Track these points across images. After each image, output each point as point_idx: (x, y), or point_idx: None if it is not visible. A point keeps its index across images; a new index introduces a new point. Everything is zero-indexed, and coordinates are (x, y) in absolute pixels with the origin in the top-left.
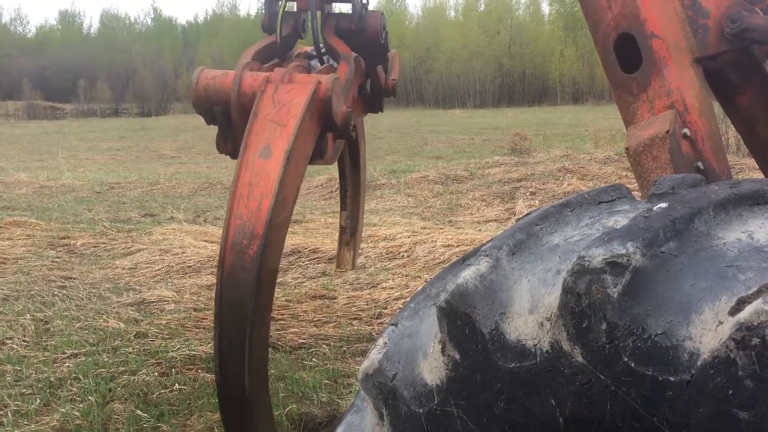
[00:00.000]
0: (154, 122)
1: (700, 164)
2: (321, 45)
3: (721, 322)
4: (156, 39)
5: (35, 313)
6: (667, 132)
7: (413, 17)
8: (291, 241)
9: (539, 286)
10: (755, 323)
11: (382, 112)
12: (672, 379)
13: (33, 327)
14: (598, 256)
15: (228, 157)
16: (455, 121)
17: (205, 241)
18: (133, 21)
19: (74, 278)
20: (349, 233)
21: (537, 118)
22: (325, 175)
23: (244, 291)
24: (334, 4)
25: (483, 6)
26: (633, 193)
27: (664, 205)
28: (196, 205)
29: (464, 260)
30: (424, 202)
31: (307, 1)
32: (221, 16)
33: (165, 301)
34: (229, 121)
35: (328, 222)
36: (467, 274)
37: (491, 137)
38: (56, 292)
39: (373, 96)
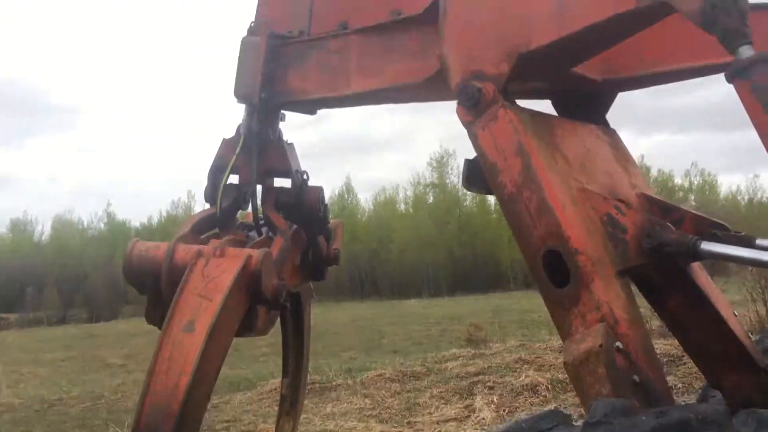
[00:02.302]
0: (103, 328)
1: (635, 377)
2: (260, 217)
3: None
4: (108, 243)
5: None
6: (600, 346)
7: (365, 211)
8: None
9: None
10: None
11: (324, 279)
12: None
13: None
14: None
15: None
16: (411, 312)
17: None
18: (86, 226)
19: None
20: (290, 403)
21: (491, 305)
22: (277, 378)
23: None
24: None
25: (432, 198)
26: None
27: None
28: None
29: None
30: (381, 402)
31: (249, 176)
32: (175, 216)
33: None
34: (160, 292)
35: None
36: None
37: (448, 327)
38: None
39: (315, 264)
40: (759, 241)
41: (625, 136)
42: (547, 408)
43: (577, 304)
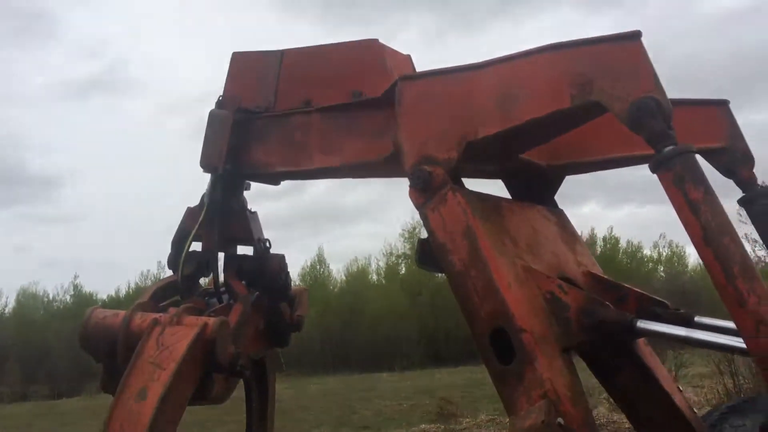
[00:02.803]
0: (66, 405)
1: None
2: (221, 285)
3: None
4: (74, 315)
5: None
6: (543, 422)
7: (337, 282)
8: None
9: None
10: None
11: (287, 346)
12: None
13: None
14: None
15: None
16: (383, 386)
17: None
18: (51, 298)
19: None
20: None
21: (464, 378)
22: None
23: None
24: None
25: (404, 269)
26: None
27: None
28: None
29: None
30: None
31: (211, 243)
32: (144, 287)
33: None
34: (116, 361)
35: None
36: None
37: (419, 402)
38: None
39: (278, 331)
40: (697, 318)
41: (595, 208)
42: None
43: (522, 381)
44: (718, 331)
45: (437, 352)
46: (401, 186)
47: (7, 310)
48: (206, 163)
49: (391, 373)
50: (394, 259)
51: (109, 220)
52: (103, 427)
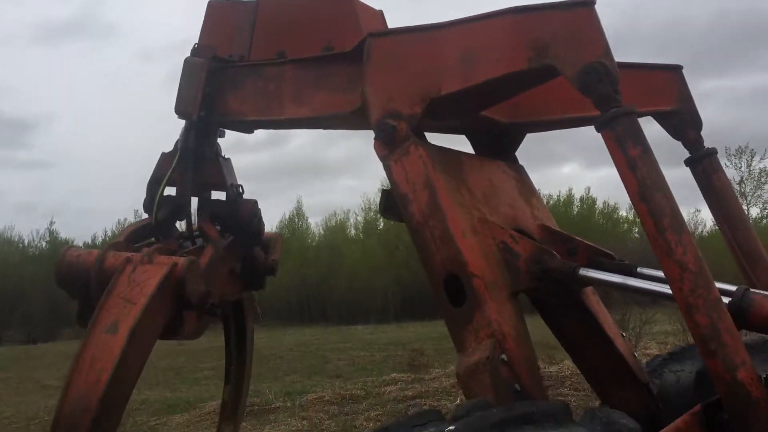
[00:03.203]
0: (41, 350)
1: (517, 386)
2: (194, 228)
3: None
4: (50, 261)
5: None
6: (487, 358)
7: (315, 235)
8: None
9: None
10: None
11: (263, 289)
12: None
13: None
14: None
15: None
16: (357, 338)
17: None
18: (26, 244)
19: None
20: (231, 408)
21: (437, 331)
22: (217, 401)
23: None
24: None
25: (382, 224)
26: None
27: (451, 427)
28: None
29: None
30: (318, 425)
31: (185, 188)
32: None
33: None
34: (90, 296)
35: None
36: None
37: (392, 353)
38: None
39: (253, 275)
40: (639, 269)
41: (573, 169)
42: None
43: (471, 322)
44: (654, 281)
45: (412, 306)
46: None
47: None
48: (181, 110)
49: (366, 325)
50: (372, 214)
51: (85, 166)
52: (75, 357)
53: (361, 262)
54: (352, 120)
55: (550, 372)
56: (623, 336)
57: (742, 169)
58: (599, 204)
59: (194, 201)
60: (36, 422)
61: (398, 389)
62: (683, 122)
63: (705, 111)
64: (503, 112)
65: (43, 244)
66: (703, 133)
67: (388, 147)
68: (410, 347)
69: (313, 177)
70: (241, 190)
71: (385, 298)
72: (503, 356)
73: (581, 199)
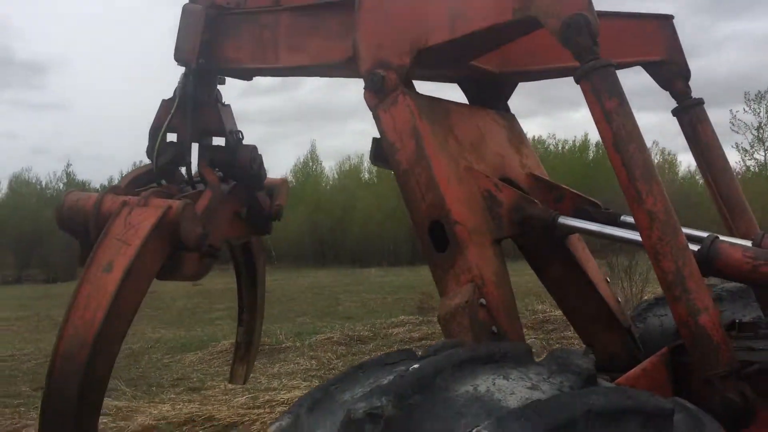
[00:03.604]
0: (60, 288)
1: (494, 328)
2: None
3: None
4: None
5: None
6: (466, 302)
7: (329, 179)
8: (185, 409)
9: None
10: None
11: (269, 233)
12: None
13: None
14: (360, 408)
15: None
16: (370, 281)
17: None
18: (44, 186)
19: None
20: (244, 349)
21: None
22: (229, 340)
23: (70, 396)
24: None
25: None
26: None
27: (417, 365)
28: None
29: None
30: (327, 364)
31: (184, 135)
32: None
33: None
34: (89, 238)
35: (228, 388)
36: (272, 429)
37: (403, 296)
38: None
39: (258, 219)
40: (623, 217)
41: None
42: None
43: (453, 267)
44: (635, 229)
45: None
46: (424, 83)
47: (0, 196)
48: (179, 57)
49: (379, 268)
50: None
51: (100, 109)
52: (73, 295)
53: (374, 206)
54: (346, 69)
55: (555, 315)
56: (607, 281)
57: (761, 114)
58: None
59: (195, 147)
60: None
61: (405, 331)
62: (672, 72)
63: (727, 55)
64: (494, 62)
65: (60, 185)
66: (723, 77)
67: (377, 96)
68: (421, 290)
69: (327, 120)
70: (240, 136)
71: (398, 243)
72: (482, 300)
73: (597, 144)
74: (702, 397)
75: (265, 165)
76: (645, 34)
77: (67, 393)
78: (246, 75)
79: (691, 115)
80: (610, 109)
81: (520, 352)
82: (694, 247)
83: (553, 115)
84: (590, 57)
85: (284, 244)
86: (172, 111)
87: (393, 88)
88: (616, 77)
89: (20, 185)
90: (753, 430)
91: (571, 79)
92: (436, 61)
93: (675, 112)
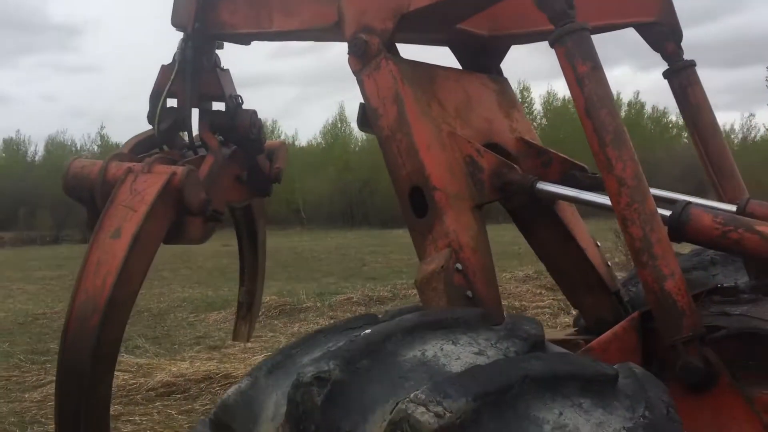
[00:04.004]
0: None
1: (469, 293)
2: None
3: (384, 420)
4: None
5: None
6: (442, 267)
7: (357, 141)
8: (204, 366)
9: (282, 398)
10: (397, 419)
11: (269, 195)
12: None
13: None
14: (309, 372)
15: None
16: (397, 242)
17: (120, 370)
18: (79, 148)
19: None
20: (246, 308)
21: None
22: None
23: (83, 359)
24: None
25: None
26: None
27: (368, 330)
28: None
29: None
30: None
31: (184, 100)
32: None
33: None
34: (95, 205)
35: (247, 347)
36: (231, 391)
37: None
38: None
39: (258, 182)
40: None
41: (625, 72)
42: None
43: (431, 232)
44: None
45: None
46: (427, 49)
47: (37, 158)
48: (177, 22)
49: (406, 230)
50: None
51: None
52: (83, 261)
53: None
54: (335, 33)
55: None
56: (597, 246)
57: None
58: (648, 108)
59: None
60: None
61: None
62: (663, 34)
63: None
64: (483, 25)
65: (95, 147)
66: (754, 35)
67: (360, 62)
68: None
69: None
70: (240, 101)
71: None
72: (458, 265)
73: (629, 103)
74: (667, 362)
75: (295, 126)
76: None
77: (82, 356)
78: (242, 40)
79: (681, 78)
80: (582, 74)
81: (472, 318)
82: (667, 213)
83: None
84: (565, 21)
85: (313, 206)
86: (172, 76)
87: (376, 53)
88: (591, 41)
89: (56, 147)
90: (716, 394)
91: (609, 35)
92: (421, 25)
93: (666, 75)
